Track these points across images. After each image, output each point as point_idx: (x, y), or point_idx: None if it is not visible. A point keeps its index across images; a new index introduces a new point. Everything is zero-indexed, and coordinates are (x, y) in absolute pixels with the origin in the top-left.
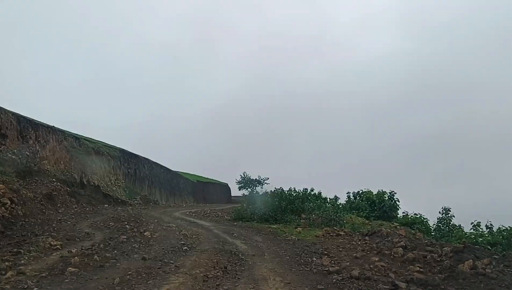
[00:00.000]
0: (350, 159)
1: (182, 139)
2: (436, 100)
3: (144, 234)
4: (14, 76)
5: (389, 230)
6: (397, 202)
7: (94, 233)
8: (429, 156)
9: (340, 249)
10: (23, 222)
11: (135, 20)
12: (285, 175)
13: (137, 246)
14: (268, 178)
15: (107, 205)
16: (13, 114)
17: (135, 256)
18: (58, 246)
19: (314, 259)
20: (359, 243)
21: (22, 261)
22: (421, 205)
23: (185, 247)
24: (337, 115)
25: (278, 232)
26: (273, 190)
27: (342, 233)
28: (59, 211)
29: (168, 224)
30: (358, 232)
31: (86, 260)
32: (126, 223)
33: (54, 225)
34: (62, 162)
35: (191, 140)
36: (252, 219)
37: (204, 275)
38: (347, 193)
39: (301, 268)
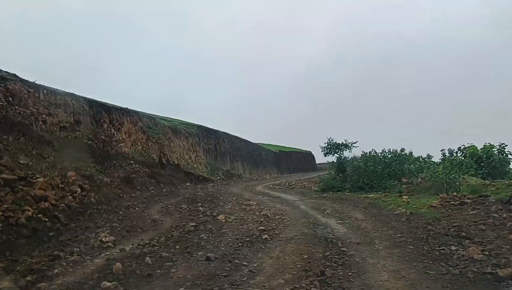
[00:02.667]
0: (442, 117)
1: (266, 111)
2: None
3: (218, 218)
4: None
5: None
6: (509, 156)
7: (162, 220)
8: None
9: (483, 228)
10: (93, 211)
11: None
12: (372, 140)
13: (205, 237)
14: (356, 142)
15: (188, 184)
16: (85, 99)
17: (199, 254)
18: (110, 243)
19: (453, 248)
20: (504, 215)
21: (56, 271)
22: None
23: (265, 235)
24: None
25: (380, 204)
26: (363, 154)
27: (467, 200)
28: (135, 194)
29: (247, 202)
30: (491, 198)
31: (134, 265)
32: (200, 204)
33: (121, 212)
34: (139, 143)
35: (275, 110)
36: (343, 188)
37: None
38: (441, 151)
39: (443, 269)
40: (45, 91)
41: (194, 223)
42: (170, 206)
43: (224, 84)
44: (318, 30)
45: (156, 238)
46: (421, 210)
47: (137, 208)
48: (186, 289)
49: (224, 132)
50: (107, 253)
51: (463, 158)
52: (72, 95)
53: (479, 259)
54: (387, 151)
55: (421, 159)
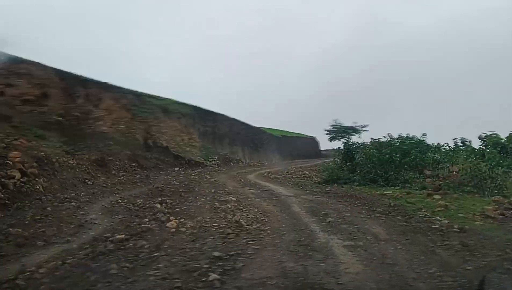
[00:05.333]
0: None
1: (276, 98)
2: None
3: (167, 225)
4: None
5: None
6: None
7: (94, 224)
8: None
9: None
10: (24, 204)
11: None
12: (383, 130)
13: (118, 272)
14: (367, 125)
15: (177, 169)
16: (55, 70)
17: None
18: None
19: None
20: None
21: None
22: None
23: (217, 273)
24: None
25: (405, 207)
26: (372, 141)
27: None
28: (106, 180)
29: (227, 196)
30: None
31: None
32: (162, 199)
33: (50, 208)
34: (122, 123)
35: (286, 98)
36: (351, 180)
37: None
38: (453, 139)
39: None
40: (2, 58)
41: (124, 235)
42: (122, 200)
43: (235, 69)
44: (337, 19)
45: (47, 262)
46: (475, 223)
47: (72, 203)
48: None
49: (223, 114)
50: None
51: (483, 147)
52: (38, 64)
53: None
54: (405, 136)
55: (447, 147)
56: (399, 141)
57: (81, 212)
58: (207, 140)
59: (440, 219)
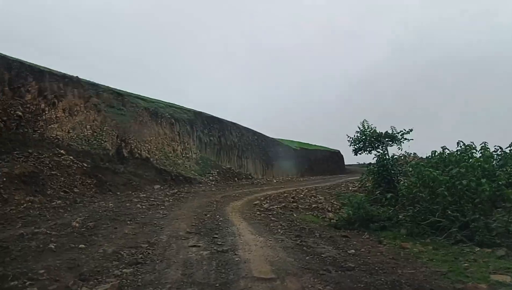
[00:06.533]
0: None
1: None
2: None
3: None
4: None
5: None
6: None
7: None
8: None
9: None
10: None
11: None
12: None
13: None
14: (411, 130)
15: (158, 186)
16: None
17: None
18: None
19: None
20: None
21: None
22: None
23: None
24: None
25: None
26: (431, 156)
27: None
28: (18, 203)
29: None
30: None
31: None
32: None
33: None
34: (88, 127)
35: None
36: (392, 221)
37: None
38: (481, 145)
39: None
40: None
41: None
42: None
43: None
44: (383, 35)
45: None
46: None
47: None
48: None
49: (233, 122)
50: None
51: None
52: None
53: None
54: (479, 148)
55: None
56: (483, 156)
57: None
58: (209, 151)
59: None
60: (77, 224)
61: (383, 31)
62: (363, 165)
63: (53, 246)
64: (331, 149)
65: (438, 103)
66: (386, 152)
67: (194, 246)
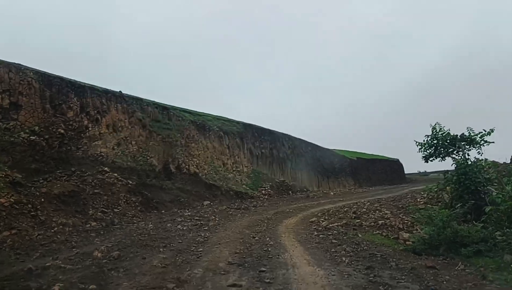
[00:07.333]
0: None
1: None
2: None
3: None
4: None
5: None
6: None
7: None
8: None
9: None
10: None
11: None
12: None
13: None
14: (492, 131)
15: (208, 202)
16: (34, 71)
17: None
18: None
19: None
20: None
21: None
22: None
23: None
24: None
25: None
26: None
27: None
28: (57, 226)
29: None
30: None
31: None
32: None
33: None
34: (133, 142)
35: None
36: (488, 245)
37: None
38: None
39: None
40: None
41: None
42: None
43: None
44: (443, 40)
45: None
46: None
47: None
48: None
49: (284, 134)
50: None
51: None
52: (11, 65)
53: None
54: None
55: None
56: None
57: None
58: (261, 164)
59: None
60: (99, 254)
61: (442, 35)
62: (425, 173)
63: (56, 288)
64: (390, 158)
65: (501, 112)
66: (468, 157)
67: (234, 285)
